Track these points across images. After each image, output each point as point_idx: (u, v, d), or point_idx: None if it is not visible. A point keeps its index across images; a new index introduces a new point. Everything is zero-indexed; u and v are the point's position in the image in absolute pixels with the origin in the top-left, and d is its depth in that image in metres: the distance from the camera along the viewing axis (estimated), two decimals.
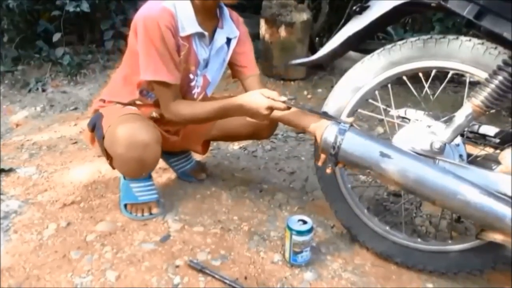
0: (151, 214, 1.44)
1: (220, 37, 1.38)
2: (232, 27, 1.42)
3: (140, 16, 1.25)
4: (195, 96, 1.44)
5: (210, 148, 1.90)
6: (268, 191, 1.64)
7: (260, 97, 1.19)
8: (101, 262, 1.23)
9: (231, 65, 1.48)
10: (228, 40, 1.42)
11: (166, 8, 1.24)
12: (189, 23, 1.28)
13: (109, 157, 1.38)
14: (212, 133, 1.57)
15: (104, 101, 1.44)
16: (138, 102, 1.40)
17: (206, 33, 1.32)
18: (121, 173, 1.44)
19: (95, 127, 1.38)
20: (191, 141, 1.58)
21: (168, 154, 1.66)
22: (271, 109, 1.18)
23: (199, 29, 1.30)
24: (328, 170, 1.13)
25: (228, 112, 1.27)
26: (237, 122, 1.44)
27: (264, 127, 1.47)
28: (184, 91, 1.40)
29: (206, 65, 1.41)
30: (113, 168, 1.44)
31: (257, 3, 3.05)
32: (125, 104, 1.40)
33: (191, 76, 1.38)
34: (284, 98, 1.18)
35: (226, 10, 1.40)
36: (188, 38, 1.30)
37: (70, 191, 1.57)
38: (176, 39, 1.26)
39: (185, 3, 1.27)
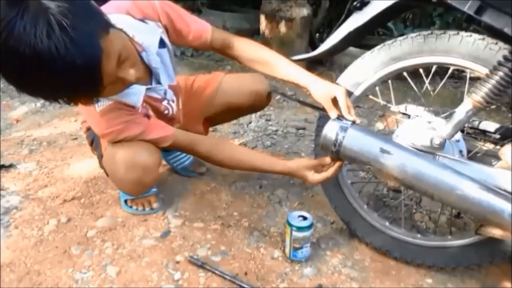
0: (152, 209, 1.44)
1: (154, 59, 1.19)
2: (152, 30, 1.18)
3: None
4: (174, 105, 1.36)
5: None
6: (267, 187, 1.65)
7: (305, 172, 1.27)
8: (101, 258, 1.24)
9: (189, 46, 1.33)
10: (161, 41, 1.21)
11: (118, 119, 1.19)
12: (134, 97, 1.19)
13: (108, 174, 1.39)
14: (211, 110, 1.54)
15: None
16: None
17: (148, 86, 1.22)
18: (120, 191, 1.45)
19: (93, 141, 1.39)
20: (190, 127, 1.50)
21: (167, 151, 1.64)
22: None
23: (143, 90, 1.20)
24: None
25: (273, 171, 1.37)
26: (236, 93, 1.49)
27: (263, 97, 1.51)
28: (164, 119, 1.33)
29: (158, 82, 1.27)
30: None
31: None
32: None
33: (163, 106, 1.32)
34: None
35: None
36: (143, 102, 1.23)
37: (71, 187, 1.58)
38: (140, 114, 1.22)
39: (117, 97, 1.14)
